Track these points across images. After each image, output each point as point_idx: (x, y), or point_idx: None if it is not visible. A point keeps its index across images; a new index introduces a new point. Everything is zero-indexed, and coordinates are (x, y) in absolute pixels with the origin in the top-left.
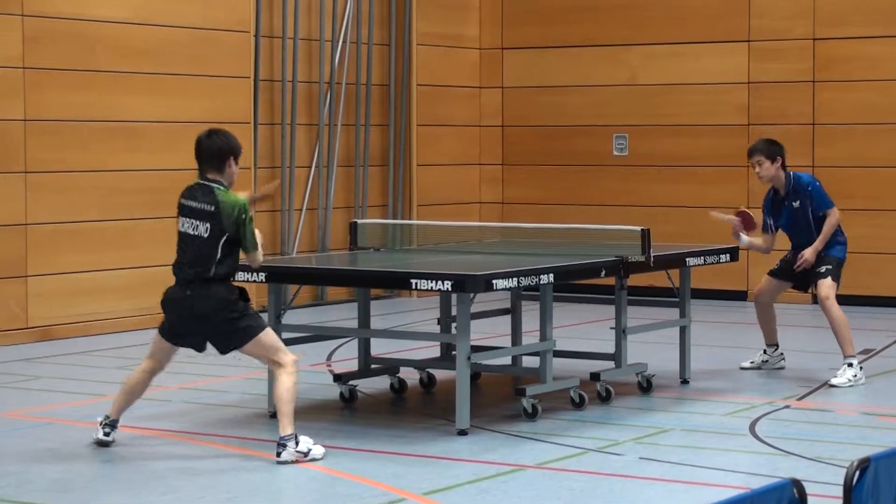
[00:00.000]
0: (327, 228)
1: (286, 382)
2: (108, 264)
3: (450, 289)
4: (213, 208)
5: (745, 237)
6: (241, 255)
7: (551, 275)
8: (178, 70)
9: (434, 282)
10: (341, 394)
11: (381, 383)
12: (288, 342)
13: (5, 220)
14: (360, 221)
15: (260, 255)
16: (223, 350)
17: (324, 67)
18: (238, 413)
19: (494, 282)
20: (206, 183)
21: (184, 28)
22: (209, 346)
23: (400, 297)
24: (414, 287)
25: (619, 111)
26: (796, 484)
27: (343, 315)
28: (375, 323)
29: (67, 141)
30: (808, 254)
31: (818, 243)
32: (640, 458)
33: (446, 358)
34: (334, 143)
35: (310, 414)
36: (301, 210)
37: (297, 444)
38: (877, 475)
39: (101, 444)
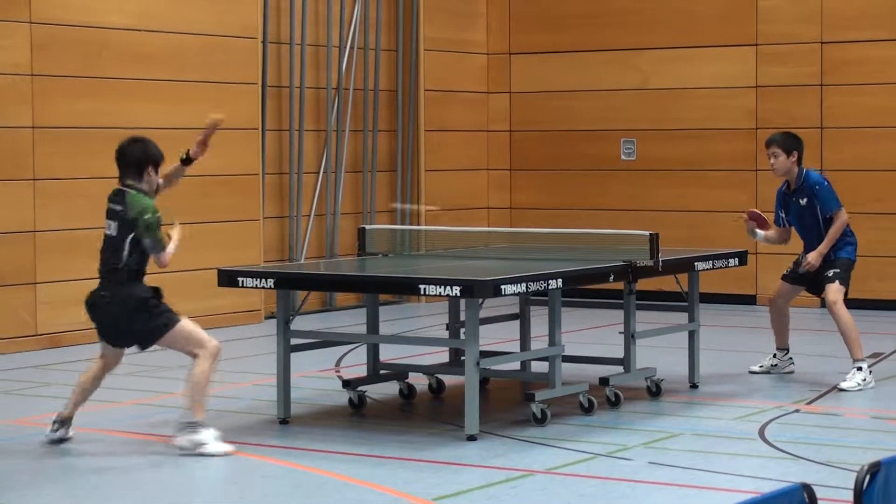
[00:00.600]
0: (335, 234)
1: (200, 366)
2: None
3: (458, 294)
4: (120, 207)
5: (760, 232)
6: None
7: (560, 280)
8: (185, 77)
9: (443, 287)
10: (350, 399)
11: (389, 389)
12: (296, 348)
13: (14, 228)
14: (368, 227)
15: (167, 257)
16: (143, 346)
17: (331, 73)
18: (248, 420)
19: (503, 287)
20: (121, 188)
21: (192, 35)
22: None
23: (408, 303)
24: (422, 292)
25: (627, 116)
26: (806, 488)
27: (351, 321)
28: (384, 328)
29: (75, 148)
30: (813, 257)
31: (823, 246)
32: (650, 462)
33: (455, 363)
34: (342, 148)
35: (319, 420)
36: (309, 216)
37: (197, 432)
38: (887, 479)
39: (54, 441)
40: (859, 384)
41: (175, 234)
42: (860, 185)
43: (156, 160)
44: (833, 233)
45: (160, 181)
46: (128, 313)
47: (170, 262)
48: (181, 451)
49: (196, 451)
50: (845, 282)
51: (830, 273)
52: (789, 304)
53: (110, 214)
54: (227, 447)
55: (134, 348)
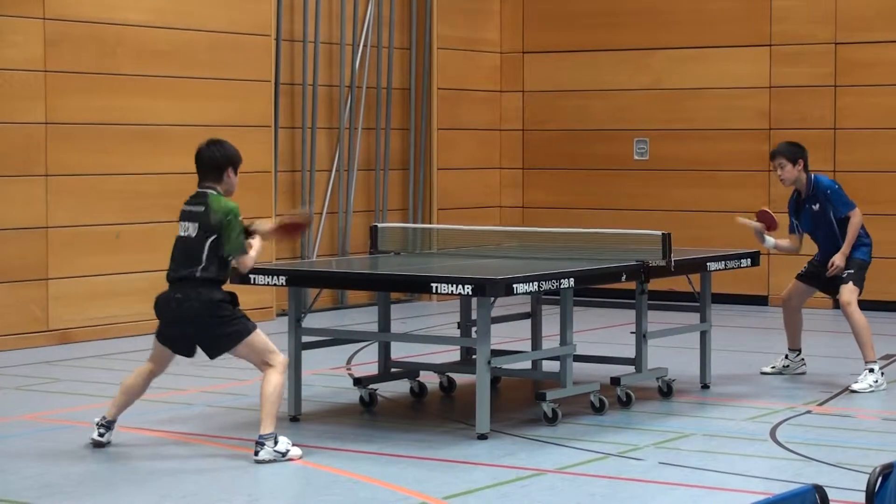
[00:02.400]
0: (347, 232)
1: (274, 381)
2: (127, 267)
3: (470, 293)
4: (202, 209)
5: (769, 239)
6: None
7: (572, 279)
8: (199, 73)
9: (454, 286)
10: (361, 397)
11: (401, 387)
12: (308, 346)
13: (26, 223)
14: (380, 225)
15: (249, 261)
16: (212, 354)
17: (344, 71)
18: (259, 417)
19: (515, 286)
20: (202, 190)
21: (205, 31)
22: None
23: (420, 301)
24: (434, 291)
25: (640, 116)
26: (818, 489)
27: (363, 319)
28: (395, 326)
29: (88, 144)
30: (839, 259)
31: (846, 247)
32: (661, 462)
33: (466, 362)
34: (354, 146)
35: (330, 417)
36: (321, 213)
37: (275, 443)
38: None
39: (97, 444)
40: (871, 385)
41: (256, 242)
42: (873, 186)
43: (235, 162)
44: (853, 232)
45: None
46: (202, 315)
47: (251, 267)
48: (264, 463)
49: (283, 460)
50: (859, 282)
51: (845, 274)
52: (802, 305)
53: (188, 216)
54: (300, 451)
55: (185, 357)
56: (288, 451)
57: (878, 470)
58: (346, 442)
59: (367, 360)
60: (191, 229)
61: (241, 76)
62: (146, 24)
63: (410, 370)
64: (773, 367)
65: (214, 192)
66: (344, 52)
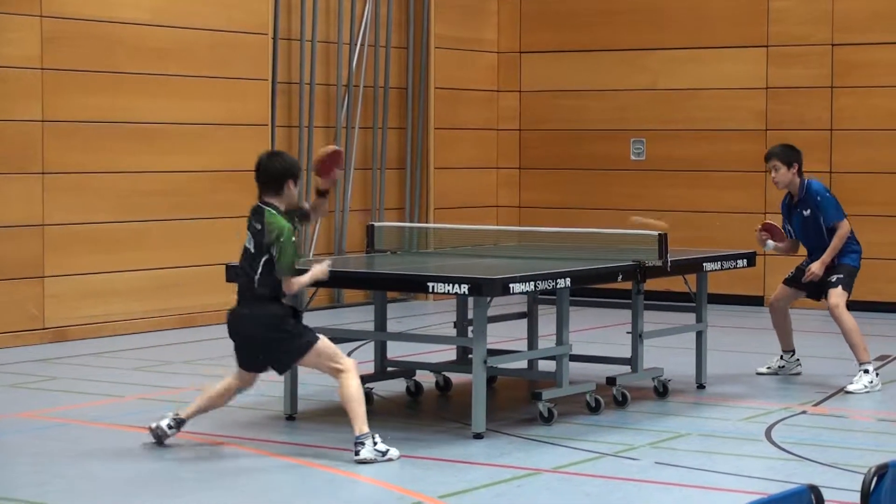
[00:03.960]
0: (344, 231)
1: (352, 384)
2: (124, 266)
3: (466, 292)
4: (259, 226)
5: (771, 243)
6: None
7: (568, 279)
8: (196, 72)
9: (451, 285)
10: None
11: (397, 386)
12: None
13: (22, 221)
14: (377, 224)
15: (295, 285)
16: (281, 369)
17: (341, 70)
18: (255, 415)
19: (511, 286)
20: (260, 205)
21: (202, 30)
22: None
23: (416, 301)
24: (431, 290)
25: (637, 116)
26: (813, 490)
27: (359, 318)
28: (392, 326)
29: (84, 142)
30: (816, 267)
31: (826, 256)
32: (656, 462)
33: (463, 361)
34: (351, 145)
35: (326, 417)
36: None
37: (374, 443)
38: (894, 481)
39: (157, 433)
40: (866, 386)
41: (316, 268)
42: (869, 187)
43: (295, 175)
44: (835, 244)
45: (307, 207)
46: (262, 332)
47: (297, 291)
48: (366, 463)
49: (382, 460)
50: (848, 287)
51: (833, 278)
52: (788, 307)
53: (251, 229)
54: (398, 452)
55: (270, 372)
56: (388, 450)
57: (873, 470)
58: (342, 441)
59: (363, 359)
60: (249, 245)
61: (239, 75)
62: (143, 22)
63: (407, 369)
64: (768, 368)
65: (272, 210)
66: (341, 51)
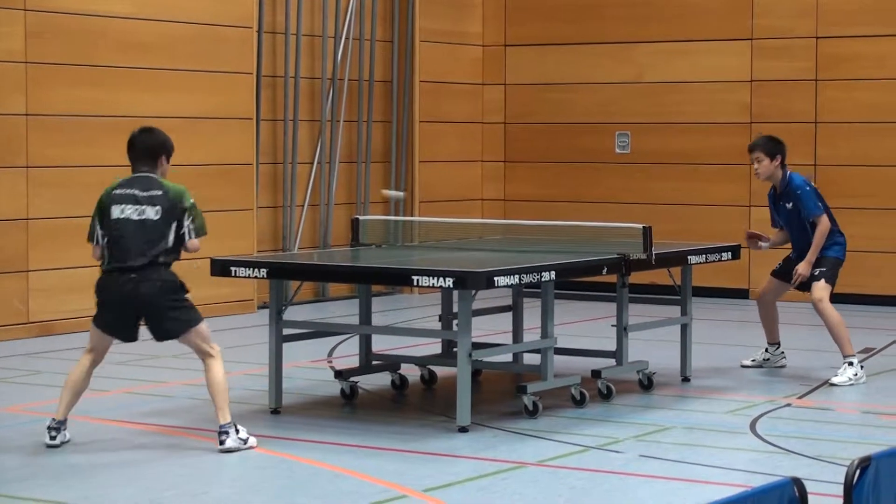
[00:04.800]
0: (329, 225)
1: (220, 371)
2: None
3: (451, 285)
4: (159, 192)
5: (764, 244)
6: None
7: (553, 272)
8: (180, 65)
9: (435, 278)
10: (342, 390)
11: (382, 380)
12: (289, 338)
13: (7, 215)
14: (361, 218)
15: (197, 242)
16: (160, 336)
17: (326, 64)
18: (240, 409)
19: (496, 279)
20: (146, 174)
21: (187, 23)
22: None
23: (401, 294)
24: (415, 284)
25: (622, 109)
26: (797, 482)
27: (344, 311)
28: (377, 319)
29: (69, 136)
30: (802, 268)
31: (810, 255)
32: (641, 455)
33: (447, 355)
34: (336, 139)
35: (311, 410)
36: (303, 206)
37: (237, 431)
38: (877, 474)
39: (52, 447)
40: (850, 379)
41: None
42: (854, 180)
43: (169, 149)
44: (817, 241)
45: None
46: (161, 297)
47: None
48: (229, 452)
49: (245, 448)
50: (831, 280)
51: (817, 271)
52: (776, 300)
53: (144, 200)
54: (255, 439)
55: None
56: (248, 438)
57: (856, 463)
58: (327, 434)
59: (348, 353)
60: (150, 212)
61: (223, 68)
62: (128, 15)
63: (391, 363)
64: (753, 361)
65: (158, 177)
66: (326, 44)
